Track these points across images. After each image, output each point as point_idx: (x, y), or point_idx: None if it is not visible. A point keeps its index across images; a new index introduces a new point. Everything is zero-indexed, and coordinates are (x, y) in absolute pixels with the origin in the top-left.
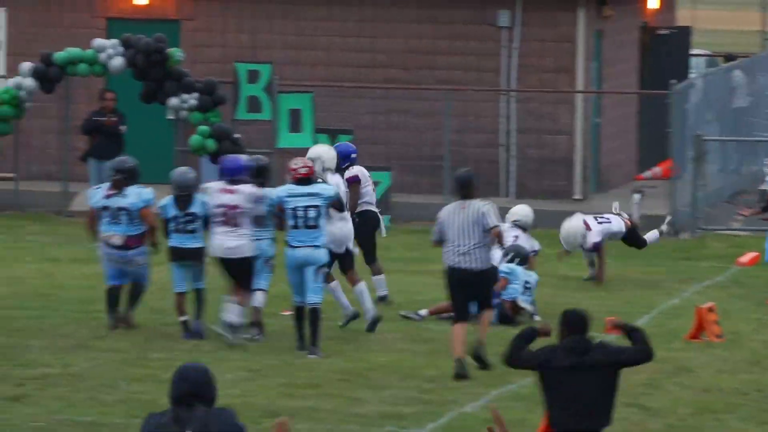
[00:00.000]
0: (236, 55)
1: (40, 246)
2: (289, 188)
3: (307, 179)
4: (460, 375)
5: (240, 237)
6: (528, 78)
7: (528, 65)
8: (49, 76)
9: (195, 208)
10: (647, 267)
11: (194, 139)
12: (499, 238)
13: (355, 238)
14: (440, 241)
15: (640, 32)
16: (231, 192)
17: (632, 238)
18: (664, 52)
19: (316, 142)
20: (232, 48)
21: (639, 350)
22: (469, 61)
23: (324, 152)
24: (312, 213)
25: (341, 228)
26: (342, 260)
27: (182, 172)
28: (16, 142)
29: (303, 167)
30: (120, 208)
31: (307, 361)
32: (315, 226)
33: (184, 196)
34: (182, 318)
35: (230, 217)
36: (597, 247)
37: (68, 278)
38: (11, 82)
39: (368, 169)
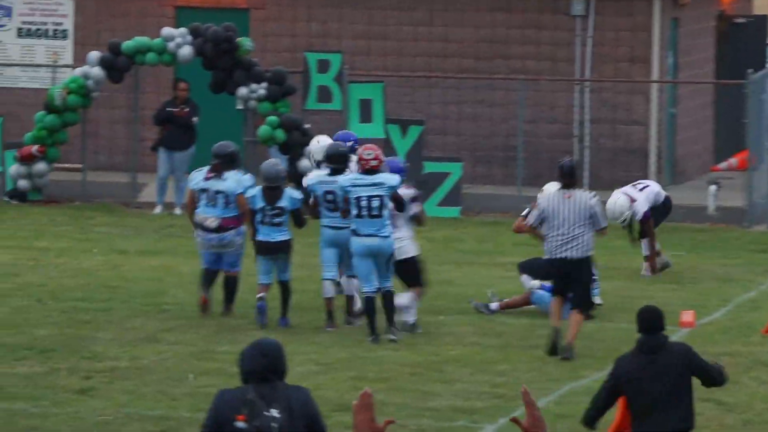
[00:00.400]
0: (306, 44)
1: (107, 237)
2: (353, 178)
3: (374, 170)
4: (552, 348)
5: (400, 240)
6: (602, 67)
7: (602, 54)
8: (117, 65)
9: (283, 202)
10: (723, 259)
11: (263, 129)
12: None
13: None
14: (536, 228)
15: (716, 21)
16: None
17: (666, 211)
18: (741, 41)
19: (386, 133)
20: (302, 37)
21: (718, 372)
22: (543, 50)
23: (312, 147)
24: (375, 202)
25: None
26: None
27: (272, 164)
28: (83, 132)
29: (374, 159)
30: (218, 192)
31: (377, 354)
32: (379, 216)
33: (273, 188)
34: (260, 295)
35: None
36: (647, 218)
37: (136, 270)
38: (78, 71)
39: (438, 160)
